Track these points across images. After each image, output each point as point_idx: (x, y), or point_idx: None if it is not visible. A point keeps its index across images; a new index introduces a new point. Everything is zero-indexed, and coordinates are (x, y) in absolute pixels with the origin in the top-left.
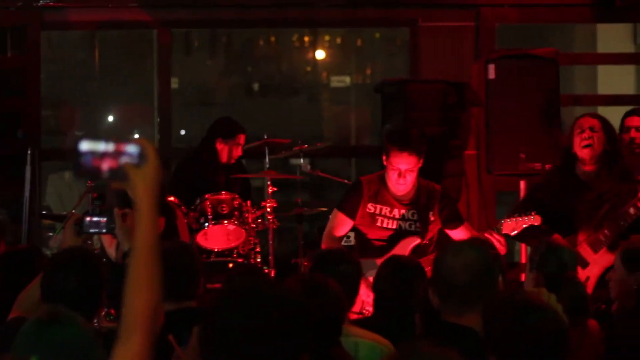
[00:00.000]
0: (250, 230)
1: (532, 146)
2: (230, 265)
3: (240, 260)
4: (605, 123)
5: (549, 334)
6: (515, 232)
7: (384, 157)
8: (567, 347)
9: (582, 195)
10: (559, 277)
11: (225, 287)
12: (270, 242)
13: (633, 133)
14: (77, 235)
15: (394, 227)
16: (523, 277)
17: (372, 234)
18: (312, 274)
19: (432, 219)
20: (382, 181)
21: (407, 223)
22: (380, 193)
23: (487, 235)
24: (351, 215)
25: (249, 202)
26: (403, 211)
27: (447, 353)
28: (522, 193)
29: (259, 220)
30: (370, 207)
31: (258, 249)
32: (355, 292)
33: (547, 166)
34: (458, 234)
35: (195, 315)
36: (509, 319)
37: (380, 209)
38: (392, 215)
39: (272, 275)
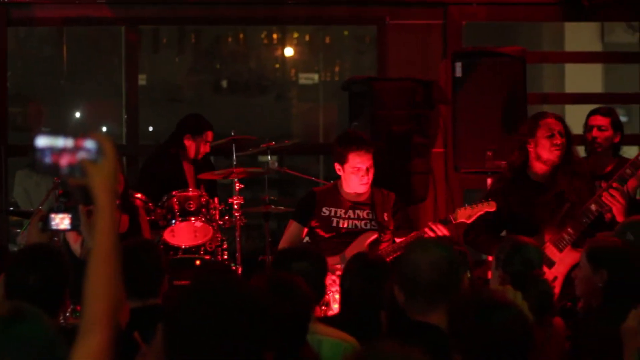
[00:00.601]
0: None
1: (499, 144)
2: (197, 262)
3: (207, 257)
4: (566, 125)
5: (514, 332)
6: (472, 218)
7: (338, 166)
8: (532, 345)
9: (539, 196)
10: (524, 275)
11: (190, 284)
12: (238, 239)
13: (595, 132)
14: (42, 232)
15: (350, 226)
16: (489, 274)
17: (328, 235)
18: (278, 272)
19: (386, 219)
20: (336, 188)
21: (363, 222)
22: (334, 197)
23: (430, 225)
24: (305, 223)
25: (216, 199)
26: (358, 211)
27: (410, 352)
28: None
29: (226, 217)
30: (325, 211)
31: (225, 246)
32: (320, 290)
33: None
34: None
35: (161, 313)
36: (474, 317)
37: (335, 211)
38: (347, 216)
39: (239, 272)
